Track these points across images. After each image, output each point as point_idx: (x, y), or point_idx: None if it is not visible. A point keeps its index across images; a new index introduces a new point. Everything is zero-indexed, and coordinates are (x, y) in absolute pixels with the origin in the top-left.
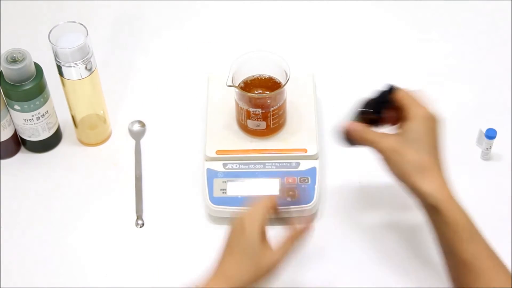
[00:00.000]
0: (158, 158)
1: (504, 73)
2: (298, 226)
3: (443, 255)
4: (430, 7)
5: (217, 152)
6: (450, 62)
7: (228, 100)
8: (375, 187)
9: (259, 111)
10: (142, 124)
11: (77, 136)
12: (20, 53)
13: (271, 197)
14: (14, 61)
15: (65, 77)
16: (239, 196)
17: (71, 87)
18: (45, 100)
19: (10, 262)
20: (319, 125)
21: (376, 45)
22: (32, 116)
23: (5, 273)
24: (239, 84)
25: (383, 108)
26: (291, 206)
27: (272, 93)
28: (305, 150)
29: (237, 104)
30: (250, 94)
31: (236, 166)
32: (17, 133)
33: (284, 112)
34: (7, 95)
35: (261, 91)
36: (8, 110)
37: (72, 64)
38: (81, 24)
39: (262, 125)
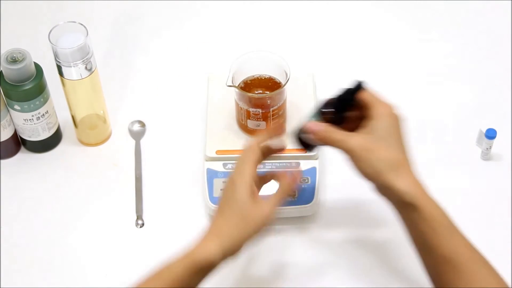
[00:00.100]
0: (158, 158)
1: (504, 73)
2: (286, 178)
3: (421, 254)
4: (430, 7)
5: (217, 152)
6: (450, 62)
7: (228, 100)
8: None
9: (259, 111)
10: (142, 124)
11: (77, 136)
12: (20, 53)
13: (254, 149)
14: (14, 61)
15: (65, 77)
16: None
17: (71, 87)
18: (45, 100)
19: (10, 262)
20: None
21: (376, 45)
22: (32, 116)
23: (5, 273)
24: (239, 84)
25: (344, 108)
26: (291, 206)
27: (272, 93)
28: (305, 150)
29: (237, 104)
30: (250, 94)
31: None
32: (17, 133)
33: (284, 112)
34: (7, 95)
35: (261, 91)
36: (8, 110)
37: (72, 64)
38: (81, 24)
39: (262, 125)
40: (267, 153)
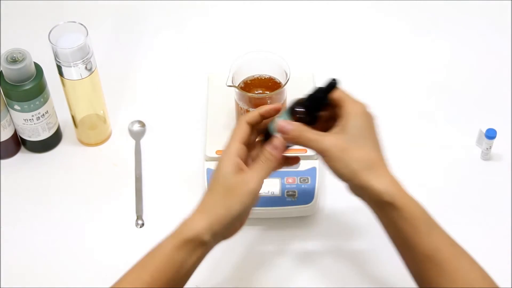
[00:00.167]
0: (158, 158)
1: (504, 73)
2: (269, 148)
3: (402, 252)
4: (430, 7)
5: (217, 152)
6: (450, 62)
7: (228, 100)
8: None
9: None
10: (142, 124)
11: (77, 136)
12: (20, 53)
13: (241, 126)
14: (14, 61)
15: (65, 77)
16: None
17: (71, 87)
18: (45, 100)
19: (10, 262)
20: None
21: (376, 45)
22: (32, 116)
23: (5, 273)
24: (239, 84)
25: (317, 107)
26: (291, 206)
27: (272, 93)
28: (305, 150)
29: (237, 104)
30: (250, 94)
31: None
32: (17, 133)
33: None
34: (7, 95)
35: (261, 91)
36: (8, 110)
37: (72, 64)
38: (81, 24)
39: None
40: (262, 118)
